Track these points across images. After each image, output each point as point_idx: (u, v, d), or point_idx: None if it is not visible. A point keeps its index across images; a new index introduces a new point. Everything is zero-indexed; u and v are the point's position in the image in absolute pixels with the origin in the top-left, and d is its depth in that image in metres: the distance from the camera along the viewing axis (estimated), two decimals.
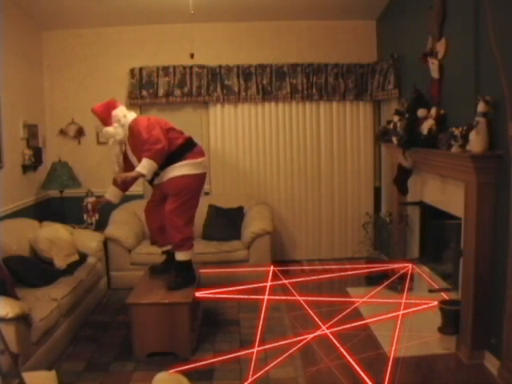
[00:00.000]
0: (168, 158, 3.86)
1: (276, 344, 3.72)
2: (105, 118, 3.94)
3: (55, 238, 4.37)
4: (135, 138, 3.88)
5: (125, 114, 3.95)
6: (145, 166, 3.72)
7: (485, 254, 3.38)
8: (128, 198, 5.33)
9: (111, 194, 4.13)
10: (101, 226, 5.50)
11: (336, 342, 3.67)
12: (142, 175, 3.76)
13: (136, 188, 4.98)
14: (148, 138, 3.76)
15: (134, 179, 3.96)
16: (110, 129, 3.92)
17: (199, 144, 4.15)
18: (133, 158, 4.00)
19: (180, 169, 3.89)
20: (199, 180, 4.03)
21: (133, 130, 3.89)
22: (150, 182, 4.06)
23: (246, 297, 4.49)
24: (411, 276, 4.67)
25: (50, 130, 5.92)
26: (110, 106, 3.98)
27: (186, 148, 3.97)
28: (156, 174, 3.93)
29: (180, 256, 3.98)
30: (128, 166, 4.05)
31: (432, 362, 3.51)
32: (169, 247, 4.18)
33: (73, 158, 5.80)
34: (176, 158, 3.90)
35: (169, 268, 4.14)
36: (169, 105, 5.90)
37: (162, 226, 4.08)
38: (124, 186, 4.07)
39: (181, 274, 3.95)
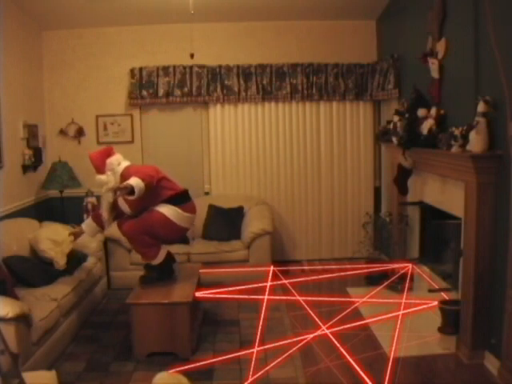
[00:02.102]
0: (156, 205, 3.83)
1: (276, 344, 3.72)
2: (99, 165, 3.89)
3: (55, 238, 4.37)
4: (124, 180, 3.68)
5: (119, 163, 3.91)
6: (133, 180, 3.55)
7: (485, 254, 3.38)
8: None
9: (89, 226, 4.11)
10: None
11: (336, 342, 3.67)
12: (131, 187, 3.51)
13: None
14: (135, 172, 3.68)
15: (121, 213, 3.96)
16: (102, 177, 3.86)
17: (192, 200, 4.05)
18: (123, 206, 3.92)
19: (165, 209, 3.82)
20: (177, 230, 3.95)
21: (123, 175, 3.80)
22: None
23: (246, 297, 4.49)
24: (411, 276, 4.67)
25: (50, 130, 5.92)
26: (105, 154, 3.94)
27: (178, 200, 3.89)
28: (140, 212, 3.89)
29: (151, 262, 4.01)
30: (118, 214, 4.03)
31: (432, 362, 3.51)
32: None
33: (73, 158, 5.79)
34: (166, 202, 3.85)
35: (170, 265, 4.15)
36: (169, 105, 5.90)
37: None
38: (102, 224, 4.04)
39: (154, 272, 4.01)
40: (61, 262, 4.27)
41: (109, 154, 3.96)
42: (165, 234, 3.94)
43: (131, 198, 3.61)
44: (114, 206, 3.97)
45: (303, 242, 6.14)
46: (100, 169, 3.89)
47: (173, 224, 3.86)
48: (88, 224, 4.14)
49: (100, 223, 4.05)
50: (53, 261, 4.25)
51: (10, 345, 2.77)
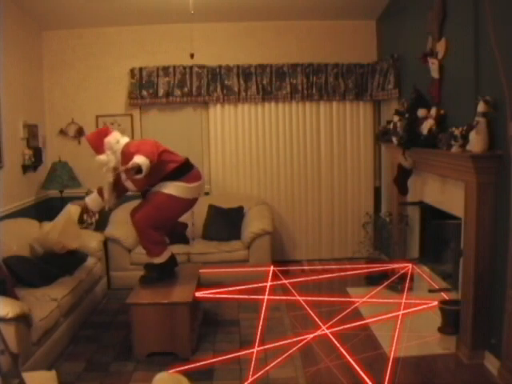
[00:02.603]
0: (161, 179, 3.82)
1: (276, 344, 3.72)
2: (97, 145, 3.84)
3: (66, 222, 4.22)
4: (126, 159, 3.68)
5: (118, 140, 3.84)
6: (139, 158, 3.53)
7: (485, 254, 3.38)
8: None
9: (93, 200, 4.06)
10: (101, 225, 5.49)
11: (336, 342, 3.67)
12: (138, 166, 3.51)
13: None
14: (136, 151, 3.64)
15: (123, 190, 3.95)
16: (102, 157, 3.81)
17: (196, 166, 4.05)
18: (130, 185, 3.92)
19: (169, 187, 3.82)
20: (185, 204, 3.96)
21: (124, 152, 3.77)
22: (143, 195, 4.00)
23: (246, 297, 4.49)
24: (411, 276, 4.67)
25: (50, 130, 5.92)
26: (102, 134, 3.89)
27: (180, 173, 3.87)
28: (147, 190, 3.90)
29: (154, 260, 4.01)
30: (122, 192, 4.04)
31: (432, 362, 3.51)
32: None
33: (73, 158, 5.80)
34: (169, 179, 3.84)
35: (172, 267, 4.16)
36: (169, 105, 5.90)
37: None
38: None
39: (155, 272, 4.00)
40: (74, 244, 4.25)
41: (106, 133, 3.91)
42: (177, 213, 3.97)
43: (139, 177, 3.58)
44: (115, 186, 3.96)
45: (303, 242, 6.14)
46: (99, 149, 3.84)
47: (181, 200, 3.86)
48: (92, 198, 4.04)
49: (102, 196, 4.01)
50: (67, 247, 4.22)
51: (10, 345, 2.77)
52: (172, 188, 3.82)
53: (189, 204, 4.00)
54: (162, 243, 3.99)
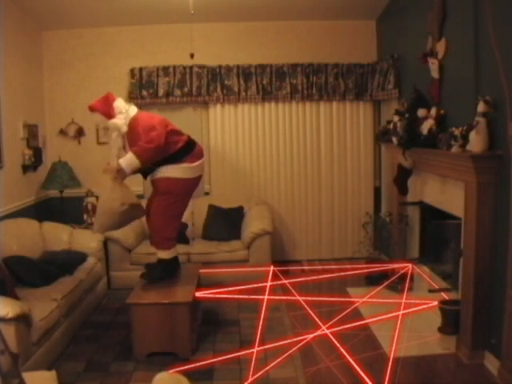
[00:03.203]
0: (165, 159, 3.86)
1: (276, 344, 3.72)
2: (107, 111, 3.89)
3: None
4: (133, 133, 3.83)
5: (125, 107, 3.93)
6: (126, 160, 3.73)
7: (485, 254, 3.38)
8: None
9: (129, 160, 3.92)
10: None
11: (336, 342, 3.67)
12: (121, 168, 3.71)
13: (136, 188, 4.99)
14: (145, 136, 3.74)
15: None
16: (116, 121, 3.87)
17: (198, 144, 4.14)
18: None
19: (174, 171, 3.89)
20: (192, 183, 4.03)
21: (133, 125, 3.85)
22: (144, 177, 4.09)
23: (246, 297, 4.49)
24: (411, 276, 4.67)
25: (50, 130, 5.92)
26: (110, 99, 3.95)
27: (185, 151, 3.95)
28: (151, 170, 3.93)
29: (160, 254, 4.04)
30: None
31: (432, 362, 3.51)
32: None
33: (73, 158, 5.80)
34: (173, 160, 3.89)
35: (166, 274, 4.12)
36: (169, 105, 5.90)
37: None
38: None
39: (158, 269, 4.01)
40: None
41: (113, 98, 3.96)
42: (188, 193, 4.06)
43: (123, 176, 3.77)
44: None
45: (303, 242, 6.14)
46: (110, 114, 3.88)
47: (188, 180, 3.97)
48: (129, 158, 3.78)
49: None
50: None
51: (10, 345, 2.77)
52: (178, 171, 3.90)
53: (195, 182, 4.09)
54: (173, 239, 4.05)
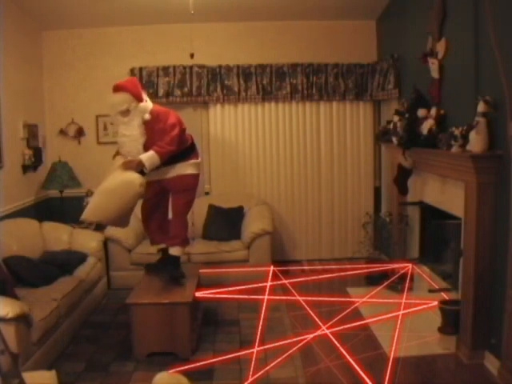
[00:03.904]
0: (175, 156, 3.87)
1: (276, 344, 3.72)
2: (138, 93, 3.80)
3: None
4: (156, 126, 3.77)
5: (146, 99, 3.93)
6: (150, 158, 3.67)
7: (485, 254, 3.38)
8: None
9: (151, 158, 3.84)
10: (101, 225, 5.49)
11: (336, 342, 3.67)
12: (143, 165, 3.66)
13: None
14: (167, 136, 3.73)
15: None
16: (148, 104, 3.84)
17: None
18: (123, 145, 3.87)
19: (188, 167, 3.97)
20: (198, 180, 4.14)
21: (156, 118, 3.78)
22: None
23: (246, 297, 4.49)
24: (411, 276, 4.67)
25: (50, 130, 5.92)
26: (138, 83, 3.95)
27: (193, 148, 4.07)
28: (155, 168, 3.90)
29: (177, 251, 4.06)
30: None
31: (432, 362, 3.51)
32: (163, 245, 4.19)
33: (73, 158, 5.80)
34: (183, 157, 3.94)
35: (165, 266, 4.15)
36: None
37: (161, 224, 4.11)
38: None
39: (178, 268, 4.04)
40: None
41: (139, 83, 4.00)
42: (196, 187, 4.13)
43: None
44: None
45: (303, 242, 6.14)
46: (140, 97, 3.80)
47: (197, 176, 4.08)
48: (152, 157, 3.72)
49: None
50: None
51: (10, 345, 2.77)
52: (191, 167, 4.00)
53: (199, 178, 4.17)
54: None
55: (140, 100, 3.78)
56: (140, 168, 3.67)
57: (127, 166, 3.68)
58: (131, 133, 3.75)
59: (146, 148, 3.76)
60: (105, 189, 3.64)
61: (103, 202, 3.61)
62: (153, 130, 3.79)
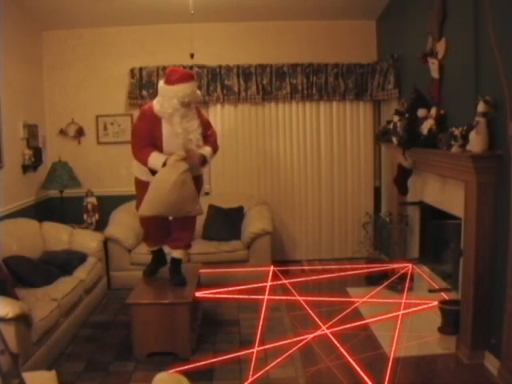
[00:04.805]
0: None
1: (276, 344, 3.72)
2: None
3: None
4: (200, 118, 3.87)
5: None
6: (209, 154, 3.84)
7: (485, 254, 3.38)
8: (128, 198, 5.33)
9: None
10: (101, 225, 5.50)
11: (336, 342, 3.67)
12: (205, 160, 3.82)
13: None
14: (211, 133, 3.96)
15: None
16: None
17: None
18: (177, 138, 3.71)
19: (199, 168, 3.98)
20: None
21: (199, 110, 3.92)
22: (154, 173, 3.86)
23: (246, 297, 4.49)
24: (411, 276, 4.67)
25: (50, 130, 5.92)
26: None
27: None
28: None
29: (180, 254, 4.05)
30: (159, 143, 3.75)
31: (432, 362, 3.51)
32: (157, 247, 4.19)
33: (73, 158, 5.80)
34: None
35: (159, 266, 4.19)
36: None
37: (161, 224, 4.05)
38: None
39: (180, 273, 4.02)
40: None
41: None
42: None
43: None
44: None
45: (303, 242, 6.14)
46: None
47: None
48: (212, 153, 3.92)
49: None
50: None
51: (10, 345, 2.77)
52: (199, 169, 4.01)
53: None
54: None
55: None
56: (201, 161, 3.79)
57: (190, 158, 3.65)
58: (192, 124, 3.71)
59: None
60: (156, 181, 3.61)
61: (154, 196, 3.58)
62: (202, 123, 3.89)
